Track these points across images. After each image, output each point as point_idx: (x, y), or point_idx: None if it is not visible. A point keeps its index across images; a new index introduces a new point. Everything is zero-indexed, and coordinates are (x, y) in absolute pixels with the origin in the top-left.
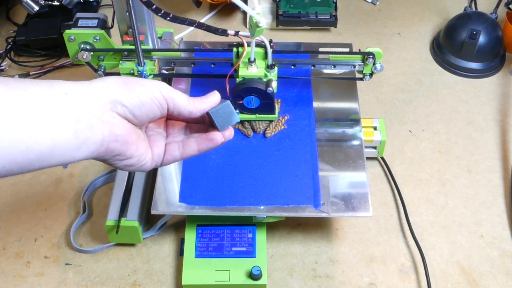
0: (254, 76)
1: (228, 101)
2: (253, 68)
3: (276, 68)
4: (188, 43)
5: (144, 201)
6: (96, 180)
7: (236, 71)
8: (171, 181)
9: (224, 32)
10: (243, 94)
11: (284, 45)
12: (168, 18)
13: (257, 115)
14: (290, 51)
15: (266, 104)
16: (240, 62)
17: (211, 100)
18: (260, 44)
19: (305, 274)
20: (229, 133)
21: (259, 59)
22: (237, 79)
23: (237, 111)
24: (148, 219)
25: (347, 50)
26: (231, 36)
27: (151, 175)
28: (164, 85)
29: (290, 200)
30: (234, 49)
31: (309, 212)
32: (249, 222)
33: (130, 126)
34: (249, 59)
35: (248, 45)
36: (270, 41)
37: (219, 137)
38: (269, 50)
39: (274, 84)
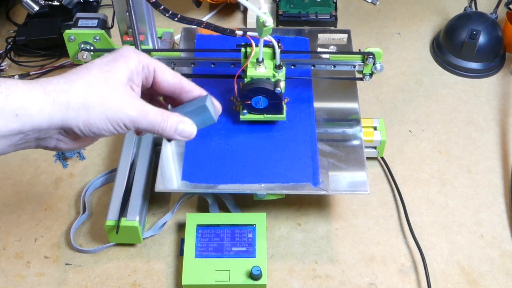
0: (262, 76)
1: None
2: (261, 68)
3: (284, 68)
4: (189, 30)
5: (144, 201)
6: (96, 180)
7: (244, 71)
8: (173, 160)
9: (232, 32)
10: (251, 94)
11: (285, 31)
12: (176, 19)
13: (265, 115)
14: (298, 51)
15: (274, 104)
16: (248, 62)
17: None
18: (268, 44)
19: (305, 274)
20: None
21: (267, 59)
22: (245, 79)
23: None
24: (148, 219)
25: (345, 36)
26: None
27: (152, 175)
28: (132, 110)
29: (290, 179)
30: (242, 49)
31: (308, 190)
32: (250, 220)
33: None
34: (257, 59)
35: (256, 45)
36: (278, 41)
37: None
38: (277, 51)
39: (282, 84)
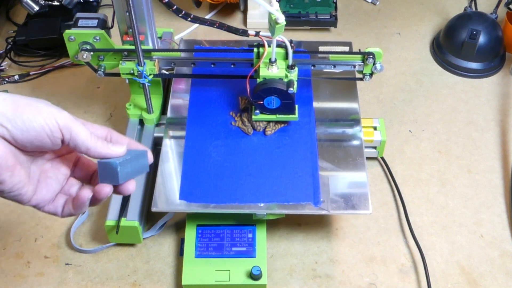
0: (275, 77)
1: (117, 162)
2: (274, 69)
3: (296, 68)
4: (188, 41)
5: (144, 201)
6: None
7: (257, 71)
8: (171, 179)
9: (244, 33)
10: (263, 94)
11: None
12: (189, 19)
13: (277, 115)
14: (310, 51)
15: (286, 105)
16: (261, 63)
17: (116, 150)
18: (280, 45)
19: (305, 274)
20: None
21: (279, 59)
22: (257, 79)
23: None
24: (148, 219)
25: (347, 48)
26: (233, 35)
27: (151, 175)
28: (64, 113)
29: (290, 198)
30: (255, 50)
31: (309, 210)
32: (249, 221)
33: (10, 150)
34: (270, 59)
35: (269, 45)
36: (291, 41)
37: (104, 190)
38: (290, 51)
39: (295, 85)
